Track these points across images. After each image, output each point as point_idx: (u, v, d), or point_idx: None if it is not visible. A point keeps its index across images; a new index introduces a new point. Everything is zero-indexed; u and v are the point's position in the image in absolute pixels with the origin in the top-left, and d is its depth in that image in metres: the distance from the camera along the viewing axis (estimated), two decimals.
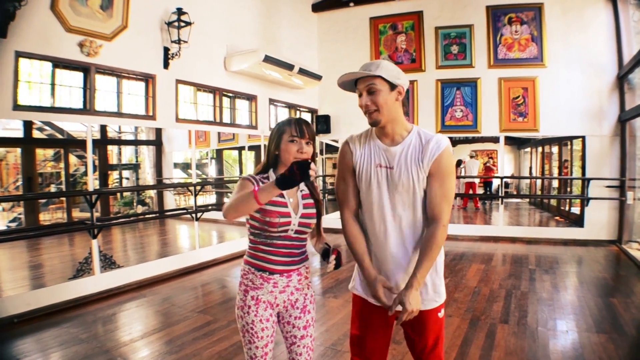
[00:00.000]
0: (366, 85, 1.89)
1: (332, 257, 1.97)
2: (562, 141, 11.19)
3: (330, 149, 11.54)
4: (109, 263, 5.61)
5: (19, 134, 10.07)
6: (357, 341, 2.14)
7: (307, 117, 10.00)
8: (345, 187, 2.10)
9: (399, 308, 1.86)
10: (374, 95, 1.88)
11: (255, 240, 2.07)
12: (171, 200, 12.44)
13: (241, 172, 12.90)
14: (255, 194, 1.74)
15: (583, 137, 8.25)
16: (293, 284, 2.09)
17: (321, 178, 10.97)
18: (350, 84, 1.99)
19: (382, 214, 1.98)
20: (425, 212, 1.96)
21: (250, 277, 2.05)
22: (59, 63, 5.02)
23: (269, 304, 2.05)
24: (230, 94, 7.70)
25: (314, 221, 2.10)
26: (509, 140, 11.48)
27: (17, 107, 4.55)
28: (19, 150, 10.19)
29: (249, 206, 1.79)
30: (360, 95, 1.93)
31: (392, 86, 1.90)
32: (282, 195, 2.01)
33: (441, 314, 2.06)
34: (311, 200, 2.12)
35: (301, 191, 2.11)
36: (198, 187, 7.10)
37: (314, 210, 2.11)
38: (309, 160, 1.73)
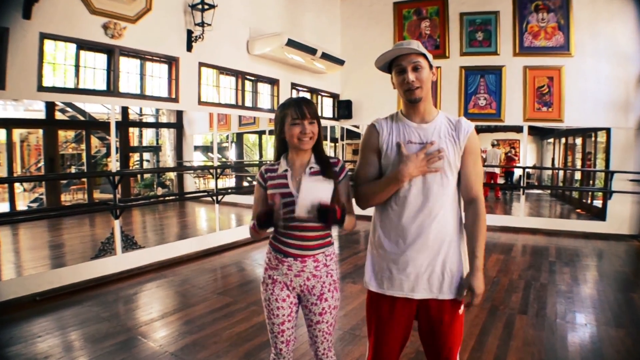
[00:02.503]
0: (412, 62, 1.86)
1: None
2: (586, 133, 11.01)
3: (351, 134, 11.50)
4: (130, 243, 5.69)
5: (42, 115, 10.22)
6: (375, 341, 2.05)
7: (328, 102, 9.97)
8: (367, 169, 2.03)
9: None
10: (419, 72, 1.86)
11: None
12: (191, 182, 12.59)
13: (261, 156, 12.97)
14: (254, 229, 2.03)
15: (608, 129, 8.08)
16: (309, 270, 2.07)
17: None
18: (386, 63, 1.96)
19: (415, 192, 1.90)
20: (458, 192, 1.95)
21: (269, 256, 2.13)
22: (83, 45, 5.05)
23: (285, 285, 2.10)
24: (253, 78, 7.69)
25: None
26: (532, 131, 11.32)
27: (41, 88, 4.60)
28: (40, 131, 10.34)
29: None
30: (400, 73, 1.89)
31: (430, 66, 1.91)
32: (284, 177, 2.05)
33: (461, 311, 1.97)
34: (319, 177, 2.06)
35: (310, 168, 2.06)
36: (219, 170, 7.14)
37: None
38: (273, 209, 1.91)
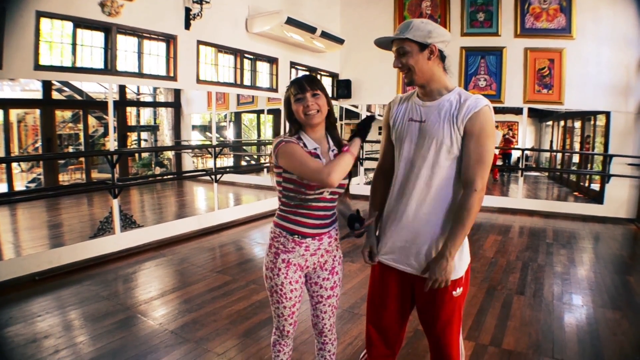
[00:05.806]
0: (397, 47, 1.87)
1: (363, 229, 2.03)
2: (585, 116, 10.97)
3: (350, 114, 11.44)
4: (129, 222, 5.69)
5: (38, 95, 10.12)
6: (374, 309, 2.11)
7: (327, 81, 9.90)
8: (383, 145, 2.15)
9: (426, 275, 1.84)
10: (404, 57, 1.85)
11: (289, 204, 2.04)
12: (189, 162, 12.52)
13: (259, 135, 12.91)
14: (351, 153, 1.94)
15: (607, 113, 8.06)
16: (324, 247, 2.09)
17: None
18: (388, 44, 1.94)
19: (409, 170, 1.91)
20: (457, 175, 1.87)
21: (282, 240, 2.04)
22: (80, 23, 4.97)
23: (299, 266, 2.07)
24: (251, 56, 7.62)
25: (347, 181, 2.08)
26: (531, 113, 11.26)
27: (38, 67, 4.53)
28: (38, 111, 10.25)
29: (350, 166, 1.93)
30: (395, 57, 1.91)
31: (423, 46, 1.83)
32: (316, 155, 2.00)
33: (456, 293, 1.92)
34: None
35: (332, 151, 2.07)
36: (218, 149, 7.12)
37: None
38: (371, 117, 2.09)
